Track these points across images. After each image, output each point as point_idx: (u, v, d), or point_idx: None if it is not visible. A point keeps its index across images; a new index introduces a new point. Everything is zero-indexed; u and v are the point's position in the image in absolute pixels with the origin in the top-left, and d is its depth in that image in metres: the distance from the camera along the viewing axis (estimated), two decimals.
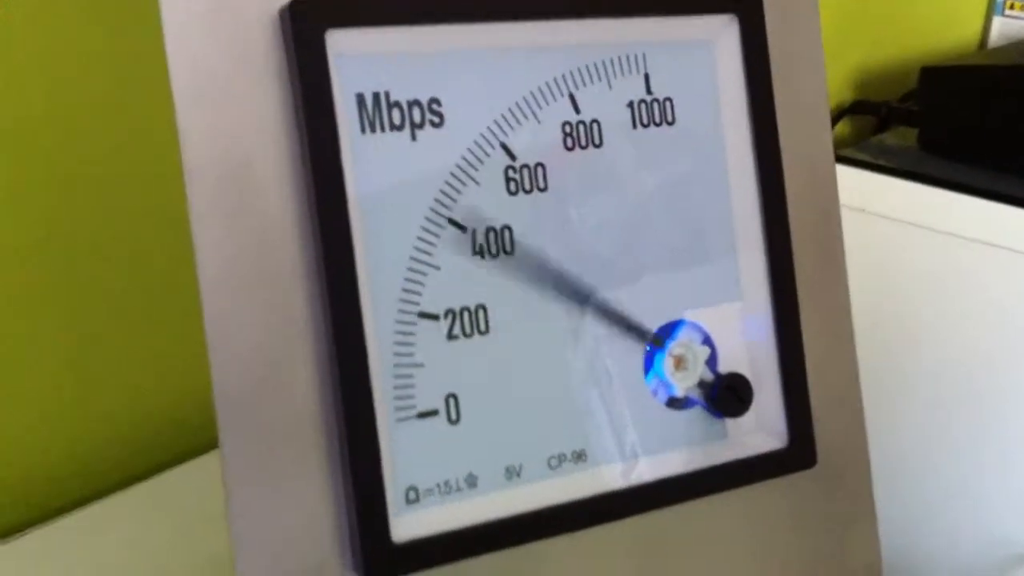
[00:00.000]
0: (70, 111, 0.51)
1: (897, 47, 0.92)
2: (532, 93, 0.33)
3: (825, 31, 0.83)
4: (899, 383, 0.73)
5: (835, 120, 0.85)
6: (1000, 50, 0.89)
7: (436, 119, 0.32)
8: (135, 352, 0.57)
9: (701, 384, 0.36)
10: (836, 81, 0.88)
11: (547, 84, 0.34)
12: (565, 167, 0.34)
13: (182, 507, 0.53)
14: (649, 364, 0.35)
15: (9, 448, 0.53)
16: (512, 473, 0.33)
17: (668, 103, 0.35)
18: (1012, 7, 0.94)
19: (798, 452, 0.36)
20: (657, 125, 0.35)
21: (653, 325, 0.35)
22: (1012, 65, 0.74)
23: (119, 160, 0.53)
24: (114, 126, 0.52)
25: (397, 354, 0.32)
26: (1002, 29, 0.94)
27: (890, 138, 0.81)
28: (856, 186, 0.73)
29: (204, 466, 0.57)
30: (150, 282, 0.56)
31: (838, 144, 0.84)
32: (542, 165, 0.34)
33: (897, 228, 0.71)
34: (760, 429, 0.36)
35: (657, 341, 0.35)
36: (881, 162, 0.74)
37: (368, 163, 0.31)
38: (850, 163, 0.74)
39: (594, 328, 0.34)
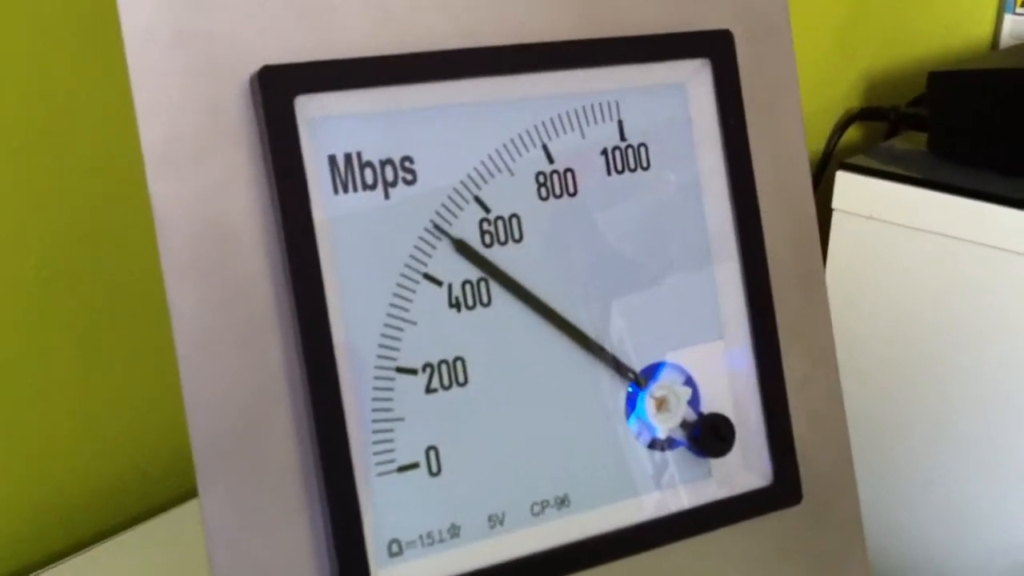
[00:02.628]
0: (72, 142, 0.52)
1: (906, 49, 0.91)
2: (505, 145, 0.34)
3: (832, 36, 0.83)
4: (907, 389, 0.72)
5: (844, 127, 0.85)
6: (1008, 52, 0.88)
7: (409, 176, 0.33)
8: (145, 387, 0.57)
9: (684, 425, 0.36)
10: (844, 87, 0.88)
11: (520, 136, 0.34)
12: (540, 217, 0.34)
13: (197, 543, 0.53)
14: (631, 407, 0.36)
15: (14, 487, 0.53)
16: (495, 522, 0.34)
17: (643, 148, 0.36)
18: (1023, 5, 0.93)
19: (783, 489, 0.37)
20: (632, 170, 0.35)
21: (635, 368, 0.36)
22: (1019, 68, 0.74)
23: (127, 190, 0.54)
24: (118, 158, 0.53)
25: (375, 409, 0.32)
26: (1013, 28, 0.93)
27: (900, 144, 0.81)
28: (865, 193, 0.73)
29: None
30: (160, 317, 0.56)
31: (847, 150, 0.84)
32: (517, 216, 0.34)
33: (907, 234, 0.71)
34: (744, 467, 0.37)
35: (640, 381, 0.35)
36: (891, 168, 0.74)
37: (342, 222, 0.32)
38: (859, 170, 0.74)
39: (574, 374, 0.35)
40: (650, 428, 0.36)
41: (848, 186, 0.74)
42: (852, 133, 0.87)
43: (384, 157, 0.32)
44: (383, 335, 0.32)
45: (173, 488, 0.60)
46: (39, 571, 0.53)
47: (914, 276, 0.71)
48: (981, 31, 0.95)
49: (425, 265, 0.33)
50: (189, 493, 0.59)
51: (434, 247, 0.33)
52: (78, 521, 0.56)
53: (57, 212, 0.52)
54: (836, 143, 0.85)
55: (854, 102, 0.89)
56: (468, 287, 0.33)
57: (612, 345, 0.35)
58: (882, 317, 0.74)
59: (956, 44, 0.93)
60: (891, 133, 0.84)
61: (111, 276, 0.55)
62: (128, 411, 0.57)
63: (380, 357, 0.32)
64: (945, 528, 0.71)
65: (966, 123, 0.74)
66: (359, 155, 0.32)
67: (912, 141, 0.80)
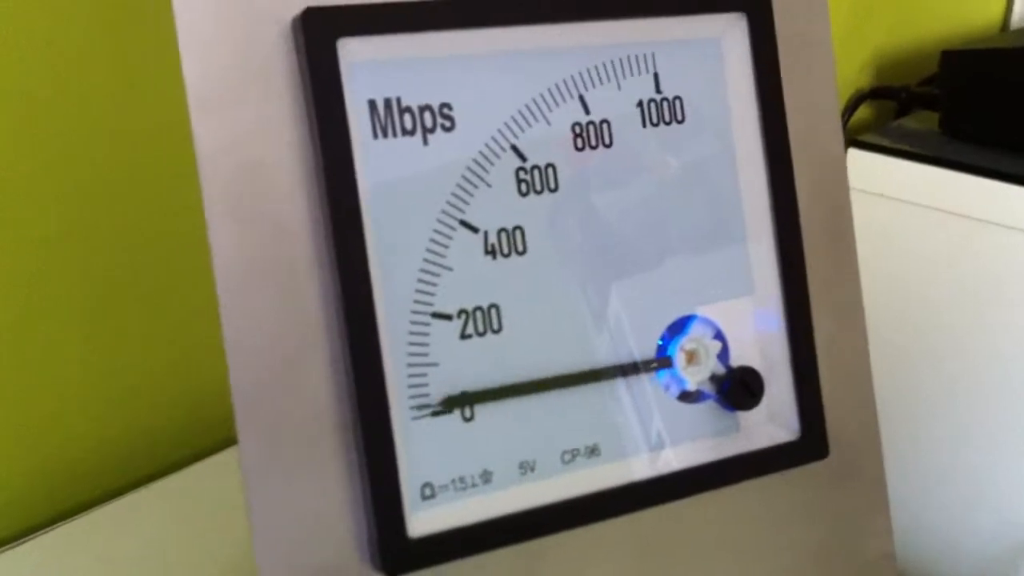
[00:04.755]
0: (85, 105, 0.52)
1: (917, 29, 0.91)
2: (542, 95, 0.34)
3: (843, 15, 0.83)
4: (915, 366, 0.73)
5: (854, 106, 0.85)
6: (1022, 32, 0.88)
7: (447, 123, 0.33)
8: (156, 347, 0.57)
9: (713, 378, 0.36)
10: (855, 66, 0.88)
11: (556, 86, 0.34)
12: (575, 167, 0.34)
13: (207, 502, 0.54)
14: (661, 356, 0.36)
15: (23, 446, 0.54)
16: (526, 468, 0.34)
17: (678, 101, 0.36)
18: None
19: (810, 443, 0.37)
20: (667, 123, 0.36)
21: (666, 320, 0.36)
22: None
23: (137, 152, 0.54)
24: (130, 120, 0.53)
25: (411, 353, 0.32)
26: None
27: (911, 122, 0.81)
28: (876, 171, 0.73)
29: (228, 461, 0.58)
30: (169, 277, 0.57)
31: (858, 129, 0.84)
32: (552, 166, 0.34)
33: (918, 212, 0.71)
34: (772, 421, 0.37)
35: (663, 363, 0.36)
36: (901, 147, 0.74)
37: (380, 167, 0.32)
38: (870, 148, 0.74)
39: (606, 326, 0.35)
40: (680, 381, 0.36)
41: (860, 164, 0.74)
42: (863, 112, 0.87)
43: (423, 103, 0.33)
44: (420, 280, 0.33)
45: (182, 449, 0.60)
46: (46, 529, 0.53)
47: (926, 254, 0.72)
48: (992, 11, 0.95)
49: (462, 212, 0.33)
50: (198, 455, 0.59)
51: (471, 194, 0.33)
52: (85, 480, 0.56)
53: (76, 166, 0.52)
54: (847, 122, 0.85)
55: (865, 81, 0.89)
56: (504, 235, 0.34)
57: (644, 297, 0.35)
58: (893, 295, 0.74)
59: (967, 23, 0.94)
60: (902, 112, 0.84)
61: (126, 235, 0.55)
62: (139, 371, 0.57)
63: (416, 302, 0.33)
64: (955, 506, 0.71)
65: (978, 102, 0.75)
66: (399, 100, 0.32)
67: (924, 120, 0.80)
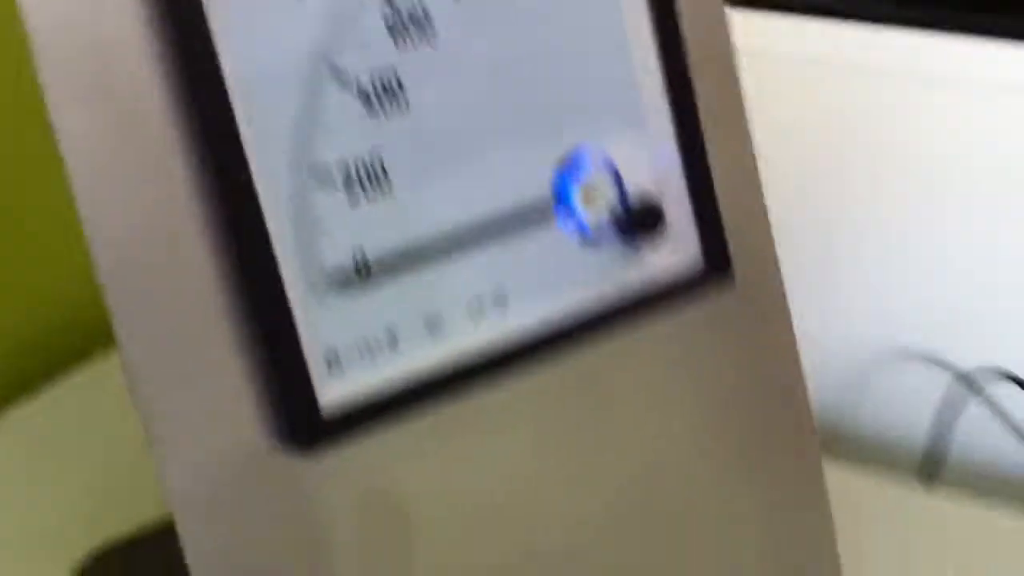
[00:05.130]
0: None
1: None
2: None
3: None
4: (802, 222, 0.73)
5: None
6: None
7: None
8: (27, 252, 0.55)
9: (612, 214, 0.35)
10: None
11: None
12: (452, 12, 0.33)
13: (95, 407, 0.52)
14: (558, 199, 0.35)
15: None
16: (432, 326, 0.33)
17: None
18: None
19: (714, 271, 0.37)
20: None
21: (560, 161, 0.35)
22: None
23: None
24: None
25: (296, 218, 0.31)
26: None
27: None
28: (747, 26, 0.73)
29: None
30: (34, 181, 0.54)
31: None
32: (427, 12, 0.32)
33: (797, 66, 0.71)
34: (675, 253, 0.36)
35: (560, 203, 0.35)
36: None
37: (239, 26, 0.30)
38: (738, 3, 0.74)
39: (498, 173, 0.34)
40: (578, 220, 0.35)
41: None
42: None
43: None
44: (296, 140, 0.31)
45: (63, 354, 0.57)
46: None
47: (803, 106, 0.72)
48: None
49: (335, 66, 0.31)
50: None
51: (342, 46, 0.31)
52: None
53: None
54: None
55: None
56: (381, 87, 0.32)
57: (534, 136, 0.34)
58: (777, 148, 0.74)
59: None
60: None
61: None
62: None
63: (295, 163, 0.31)
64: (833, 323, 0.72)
65: None
66: None
67: None
